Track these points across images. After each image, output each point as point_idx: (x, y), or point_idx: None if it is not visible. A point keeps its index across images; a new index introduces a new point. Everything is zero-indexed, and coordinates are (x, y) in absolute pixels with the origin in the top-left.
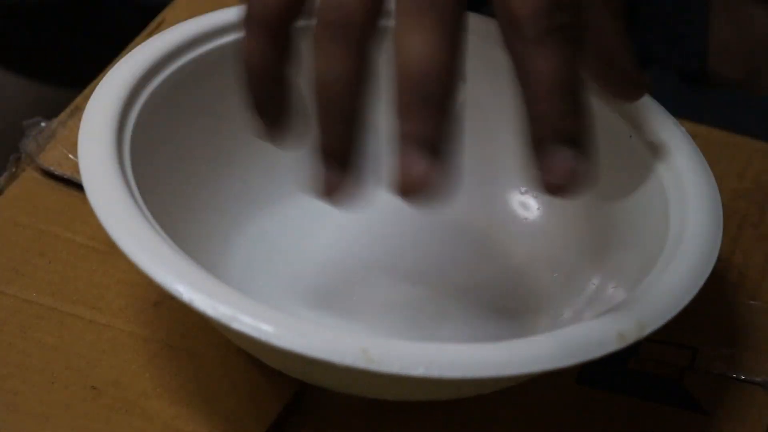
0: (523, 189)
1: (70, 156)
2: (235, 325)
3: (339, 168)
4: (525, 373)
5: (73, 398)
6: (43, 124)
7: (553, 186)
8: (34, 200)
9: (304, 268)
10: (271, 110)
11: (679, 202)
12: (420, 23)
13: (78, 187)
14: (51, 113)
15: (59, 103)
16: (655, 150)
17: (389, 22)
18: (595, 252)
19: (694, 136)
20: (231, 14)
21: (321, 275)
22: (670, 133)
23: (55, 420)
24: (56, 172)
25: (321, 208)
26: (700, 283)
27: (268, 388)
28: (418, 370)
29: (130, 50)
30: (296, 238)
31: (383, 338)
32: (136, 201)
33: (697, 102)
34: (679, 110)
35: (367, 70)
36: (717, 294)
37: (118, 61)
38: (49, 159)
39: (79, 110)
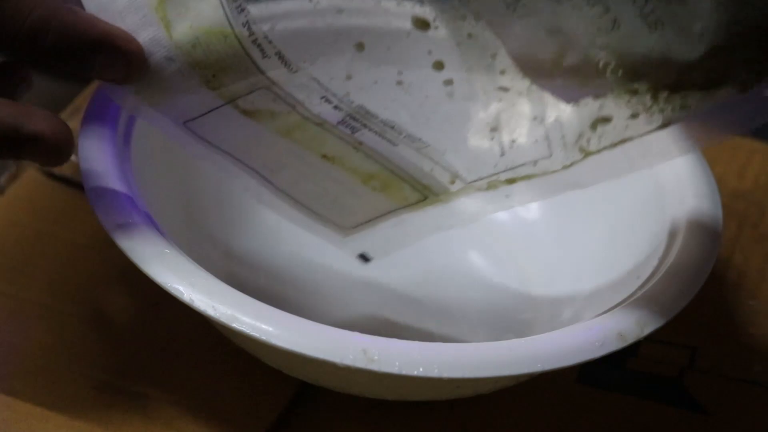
0: None
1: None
2: (235, 325)
3: None
4: (525, 373)
5: (73, 398)
6: None
7: None
8: (34, 200)
9: (305, 269)
10: None
11: (678, 202)
12: None
13: (78, 187)
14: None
15: (60, 101)
16: None
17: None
18: (595, 252)
19: None
20: None
21: (321, 275)
22: None
23: (55, 420)
24: (56, 172)
25: None
26: (700, 283)
27: (268, 388)
28: (418, 370)
29: None
30: (297, 238)
31: (383, 338)
32: (136, 201)
33: None
34: None
35: None
36: (717, 294)
37: None
38: None
39: (79, 110)
